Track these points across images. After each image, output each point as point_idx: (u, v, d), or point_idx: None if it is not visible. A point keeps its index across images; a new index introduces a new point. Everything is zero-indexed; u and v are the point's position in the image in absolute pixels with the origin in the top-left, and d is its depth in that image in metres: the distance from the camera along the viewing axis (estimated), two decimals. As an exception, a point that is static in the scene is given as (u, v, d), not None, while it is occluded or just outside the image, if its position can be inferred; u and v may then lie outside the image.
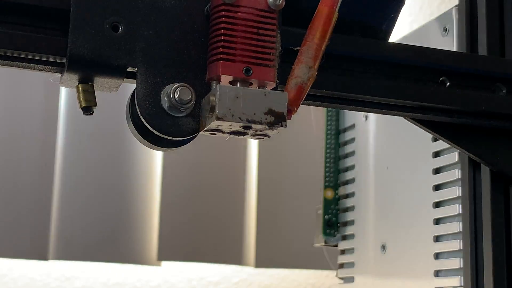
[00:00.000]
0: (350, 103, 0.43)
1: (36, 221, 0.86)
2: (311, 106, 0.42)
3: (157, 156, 0.92)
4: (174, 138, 0.35)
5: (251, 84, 0.35)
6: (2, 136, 0.88)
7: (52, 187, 0.89)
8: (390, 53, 0.43)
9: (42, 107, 0.89)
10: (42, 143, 0.89)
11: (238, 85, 0.34)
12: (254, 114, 0.33)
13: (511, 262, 0.49)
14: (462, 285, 0.50)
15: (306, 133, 0.92)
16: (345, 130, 0.68)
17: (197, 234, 0.91)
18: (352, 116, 0.67)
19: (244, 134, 0.35)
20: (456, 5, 0.54)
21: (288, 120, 0.34)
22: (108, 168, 0.90)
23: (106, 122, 0.86)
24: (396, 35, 0.63)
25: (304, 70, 0.34)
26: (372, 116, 0.64)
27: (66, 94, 0.88)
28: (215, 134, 0.35)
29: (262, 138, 0.35)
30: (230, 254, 0.93)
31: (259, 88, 0.35)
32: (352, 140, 0.67)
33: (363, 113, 0.65)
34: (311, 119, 0.74)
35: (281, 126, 0.33)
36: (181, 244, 0.91)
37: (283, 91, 0.34)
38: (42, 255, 0.86)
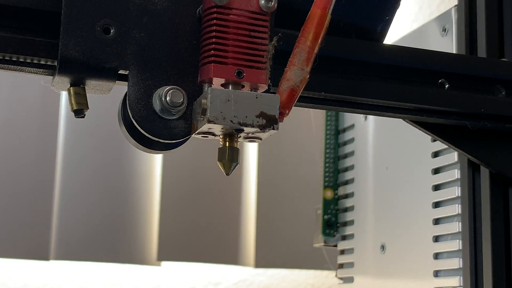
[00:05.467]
0: (349, 105, 0.43)
1: (37, 221, 0.86)
2: (310, 106, 0.42)
3: (157, 157, 0.92)
4: (166, 141, 0.35)
5: (243, 86, 0.35)
6: (3, 136, 0.88)
7: (53, 187, 0.89)
8: (389, 56, 0.43)
9: (42, 108, 0.89)
10: (43, 143, 0.89)
11: (230, 87, 0.34)
12: (246, 117, 0.33)
13: (510, 262, 0.48)
14: (462, 285, 0.50)
15: (306, 133, 0.92)
16: (344, 130, 0.68)
17: (197, 234, 0.91)
18: (352, 116, 0.67)
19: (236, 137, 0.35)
20: (455, 5, 0.54)
21: (280, 123, 0.34)
22: (108, 169, 0.90)
23: (106, 122, 0.87)
24: (396, 35, 0.62)
25: (296, 72, 0.34)
26: (372, 116, 0.63)
27: (66, 94, 0.88)
28: (207, 137, 0.35)
29: (255, 141, 0.35)
30: (230, 254, 0.93)
31: (251, 90, 0.35)
32: (352, 140, 0.67)
33: (362, 113, 0.65)
34: (310, 119, 0.74)
35: (273, 129, 0.33)
36: (181, 244, 0.91)
37: (275, 93, 0.34)
38: (43, 255, 0.86)
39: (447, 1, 0.58)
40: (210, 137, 0.35)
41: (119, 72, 0.35)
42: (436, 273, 0.53)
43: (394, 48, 0.44)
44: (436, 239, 0.54)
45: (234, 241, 0.93)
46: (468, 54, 0.53)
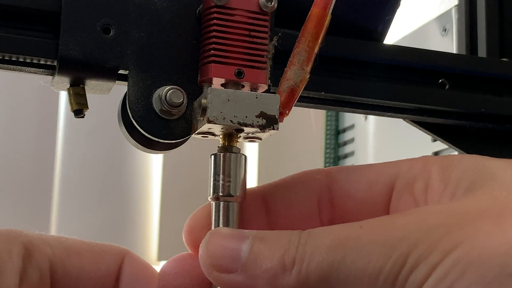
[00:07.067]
0: (349, 105, 0.43)
1: (36, 222, 0.86)
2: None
3: (157, 157, 0.92)
4: (166, 141, 0.35)
5: (243, 86, 0.34)
6: (1, 136, 0.88)
7: (52, 187, 0.89)
8: (389, 55, 0.43)
9: (41, 107, 0.89)
10: (42, 143, 0.89)
11: (230, 87, 0.34)
12: (246, 117, 0.33)
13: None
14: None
15: (306, 133, 0.92)
16: (344, 130, 0.68)
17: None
18: (352, 117, 0.67)
19: (236, 137, 0.35)
20: (455, 5, 0.54)
21: (280, 123, 0.34)
22: (108, 169, 0.90)
23: (105, 121, 0.87)
24: (396, 35, 0.62)
25: (296, 72, 0.34)
26: (372, 116, 0.63)
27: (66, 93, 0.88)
28: (207, 137, 0.35)
29: (255, 141, 0.35)
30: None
31: (251, 90, 0.35)
32: (352, 140, 0.67)
33: (362, 113, 0.65)
34: (310, 119, 0.74)
35: (273, 129, 0.33)
36: (181, 244, 0.91)
37: (275, 93, 0.34)
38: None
39: (447, 1, 0.58)
40: (210, 137, 0.35)
41: (119, 72, 0.35)
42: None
43: (394, 48, 0.44)
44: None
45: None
46: (468, 54, 0.53)
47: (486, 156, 0.32)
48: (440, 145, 0.54)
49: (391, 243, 0.26)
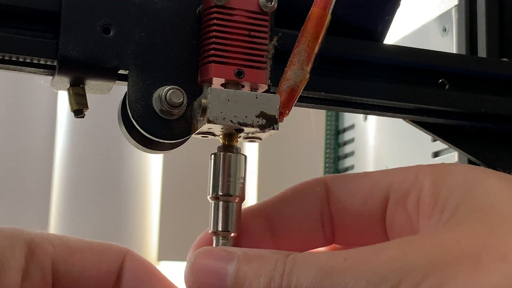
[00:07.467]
0: (349, 105, 0.43)
1: (35, 221, 0.86)
2: (310, 106, 0.42)
3: (157, 157, 0.92)
4: (166, 141, 0.35)
5: (243, 86, 0.34)
6: (2, 137, 0.88)
7: (51, 187, 0.89)
8: (389, 55, 0.43)
9: (42, 107, 0.89)
10: (42, 143, 0.89)
11: (230, 87, 0.34)
12: (246, 117, 0.33)
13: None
14: None
15: (306, 133, 0.92)
16: (344, 130, 0.68)
17: (197, 234, 0.91)
18: (352, 117, 0.67)
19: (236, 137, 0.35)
20: (455, 5, 0.54)
21: (280, 123, 0.34)
22: (108, 168, 0.90)
23: (105, 121, 0.87)
24: (396, 35, 0.63)
25: (296, 72, 0.34)
26: (372, 116, 0.63)
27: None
28: (207, 137, 0.35)
29: (255, 141, 0.35)
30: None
31: (251, 90, 0.35)
32: (352, 140, 0.67)
33: (362, 113, 0.65)
34: (310, 119, 0.74)
35: (273, 129, 0.33)
36: (181, 244, 0.91)
37: (275, 93, 0.34)
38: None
39: (447, 1, 0.58)
40: (210, 137, 0.35)
41: (119, 72, 0.35)
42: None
43: (394, 48, 0.44)
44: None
45: (234, 241, 0.93)
46: (468, 54, 0.53)
47: (477, 168, 0.32)
48: (440, 145, 0.54)
49: (375, 281, 0.27)
